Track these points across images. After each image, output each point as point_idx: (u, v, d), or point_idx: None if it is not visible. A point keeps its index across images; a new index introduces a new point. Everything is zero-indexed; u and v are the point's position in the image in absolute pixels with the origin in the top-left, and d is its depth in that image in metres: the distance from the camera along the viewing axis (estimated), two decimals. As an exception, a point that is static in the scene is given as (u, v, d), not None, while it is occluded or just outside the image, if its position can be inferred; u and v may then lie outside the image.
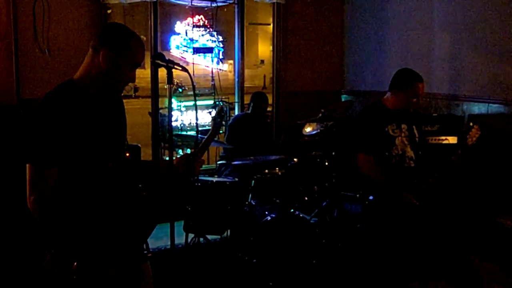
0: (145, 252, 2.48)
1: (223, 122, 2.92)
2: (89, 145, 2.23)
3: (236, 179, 4.75)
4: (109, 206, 2.32)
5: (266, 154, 5.29)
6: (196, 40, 9.67)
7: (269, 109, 7.65)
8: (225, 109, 7.33)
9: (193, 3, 6.42)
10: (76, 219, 2.19)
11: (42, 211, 2.13)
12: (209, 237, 4.79)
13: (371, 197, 4.15)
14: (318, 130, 5.30)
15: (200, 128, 6.05)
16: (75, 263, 2.14)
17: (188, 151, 7.01)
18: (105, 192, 2.31)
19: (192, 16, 9.71)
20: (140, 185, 2.56)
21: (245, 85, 7.02)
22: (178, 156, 2.70)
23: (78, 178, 2.23)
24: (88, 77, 2.27)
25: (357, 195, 5.12)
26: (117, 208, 2.34)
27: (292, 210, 4.45)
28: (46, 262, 2.27)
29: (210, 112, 7.52)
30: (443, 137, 5.15)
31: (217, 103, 7.33)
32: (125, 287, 2.31)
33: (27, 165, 2.15)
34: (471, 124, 3.96)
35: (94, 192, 2.28)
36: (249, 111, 5.81)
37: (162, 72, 2.54)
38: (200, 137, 4.38)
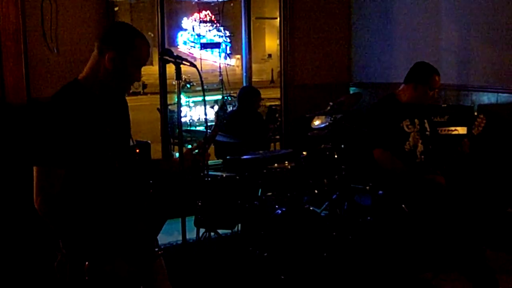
0: (156, 249, 2.47)
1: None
2: (95, 145, 2.22)
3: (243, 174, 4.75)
4: (116, 205, 2.31)
5: (259, 149, 5.28)
6: (203, 36, 9.66)
7: (277, 103, 7.65)
8: (227, 103, 7.34)
9: (199, -1, 6.42)
10: (85, 219, 2.19)
11: (49, 212, 2.13)
12: (220, 231, 4.81)
13: (380, 192, 4.15)
14: (327, 123, 5.29)
15: (209, 124, 6.05)
16: (87, 263, 2.14)
17: (189, 146, 7.05)
18: (113, 191, 2.31)
19: (199, 12, 9.70)
20: (150, 181, 2.57)
21: (253, 80, 7.02)
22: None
23: (86, 178, 2.23)
24: (93, 77, 2.27)
25: (367, 188, 5.13)
26: (125, 207, 2.34)
27: (302, 204, 4.45)
28: (58, 262, 2.28)
29: (212, 107, 7.51)
30: (453, 128, 5.13)
31: (225, 98, 7.34)
32: (138, 285, 2.31)
33: (34, 167, 2.15)
34: (475, 113, 3.97)
35: (101, 191, 2.27)
36: (237, 108, 5.80)
37: (170, 68, 2.56)
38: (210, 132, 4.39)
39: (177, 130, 6.50)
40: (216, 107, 7.44)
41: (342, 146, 5.19)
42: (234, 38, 9.78)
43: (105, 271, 2.17)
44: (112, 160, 2.30)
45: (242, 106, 5.68)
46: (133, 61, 2.25)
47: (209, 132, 2.76)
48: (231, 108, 7.17)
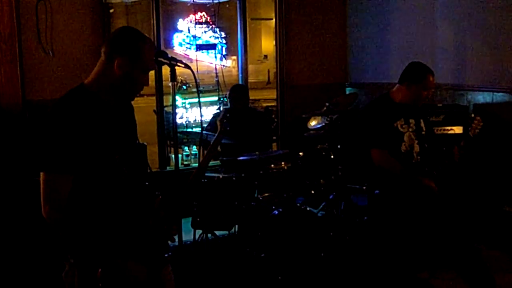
0: (166, 255, 2.45)
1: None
2: (102, 150, 2.18)
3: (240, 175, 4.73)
4: (125, 210, 2.27)
5: (254, 147, 5.26)
6: (199, 37, 9.63)
7: (273, 104, 7.63)
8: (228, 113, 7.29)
9: (195, 0, 6.42)
10: (95, 225, 2.14)
11: (59, 220, 2.08)
12: (217, 233, 4.81)
13: (376, 191, 4.16)
14: (323, 124, 5.30)
15: (204, 125, 6.05)
16: (99, 271, 2.09)
17: (194, 147, 7.04)
18: (121, 196, 2.27)
19: (194, 13, 9.67)
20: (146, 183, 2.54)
21: (249, 81, 7.01)
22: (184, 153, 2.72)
23: (93, 184, 2.18)
24: (101, 83, 2.24)
25: (364, 188, 5.13)
26: (133, 211, 2.30)
27: (298, 204, 4.45)
28: (66, 272, 2.23)
29: (218, 108, 7.47)
30: (449, 127, 5.14)
31: (221, 99, 7.33)
32: None
33: (41, 173, 2.09)
34: (472, 115, 4.00)
35: (109, 196, 2.23)
36: (229, 106, 5.77)
37: (166, 70, 2.56)
38: (205, 133, 4.38)
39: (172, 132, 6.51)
40: (216, 109, 7.41)
41: (339, 146, 5.19)
42: (230, 39, 9.76)
43: (124, 277, 2.13)
44: (120, 165, 2.25)
45: (231, 104, 5.66)
46: (141, 66, 2.23)
47: (213, 139, 2.78)
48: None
